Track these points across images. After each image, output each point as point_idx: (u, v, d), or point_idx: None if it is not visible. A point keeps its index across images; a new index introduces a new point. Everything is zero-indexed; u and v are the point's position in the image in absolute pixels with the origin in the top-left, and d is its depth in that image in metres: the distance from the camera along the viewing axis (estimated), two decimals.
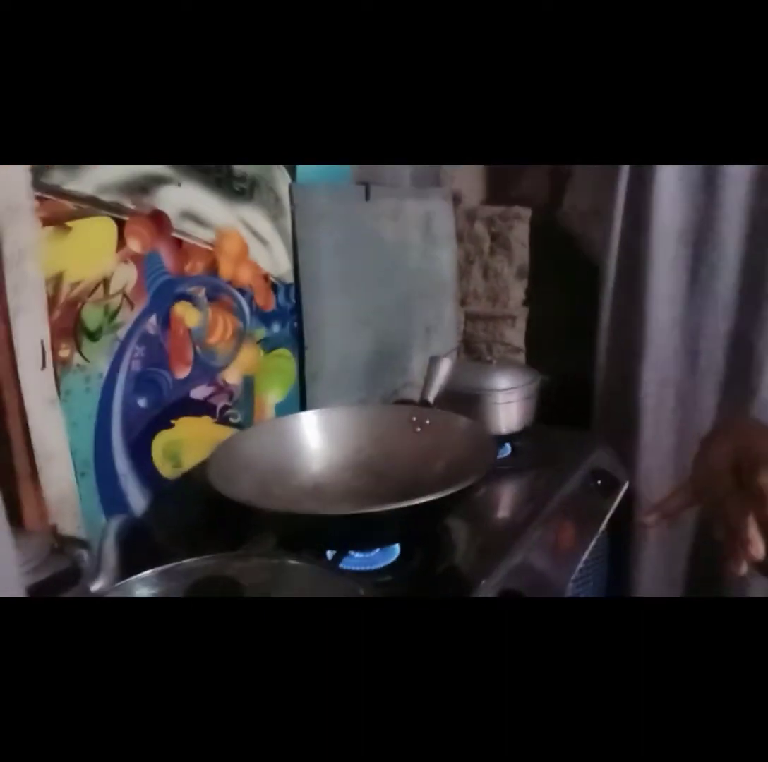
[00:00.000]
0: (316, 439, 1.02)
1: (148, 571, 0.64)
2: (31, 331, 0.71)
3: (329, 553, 0.85)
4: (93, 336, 0.79)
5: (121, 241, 0.81)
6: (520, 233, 1.51)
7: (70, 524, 0.77)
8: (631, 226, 1.31)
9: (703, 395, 1.31)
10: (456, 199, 1.53)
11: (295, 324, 1.12)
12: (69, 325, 0.77)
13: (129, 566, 0.68)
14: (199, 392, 0.95)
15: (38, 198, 0.71)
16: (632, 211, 1.30)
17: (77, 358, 0.78)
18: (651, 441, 1.34)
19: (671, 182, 1.24)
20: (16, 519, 0.72)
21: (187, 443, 0.94)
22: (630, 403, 1.35)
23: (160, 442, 0.90)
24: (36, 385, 0.72)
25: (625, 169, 1.30)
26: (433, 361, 1.14)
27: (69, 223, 0.75)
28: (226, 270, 0.97)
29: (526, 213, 1.50)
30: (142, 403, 0.87)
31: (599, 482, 1.15)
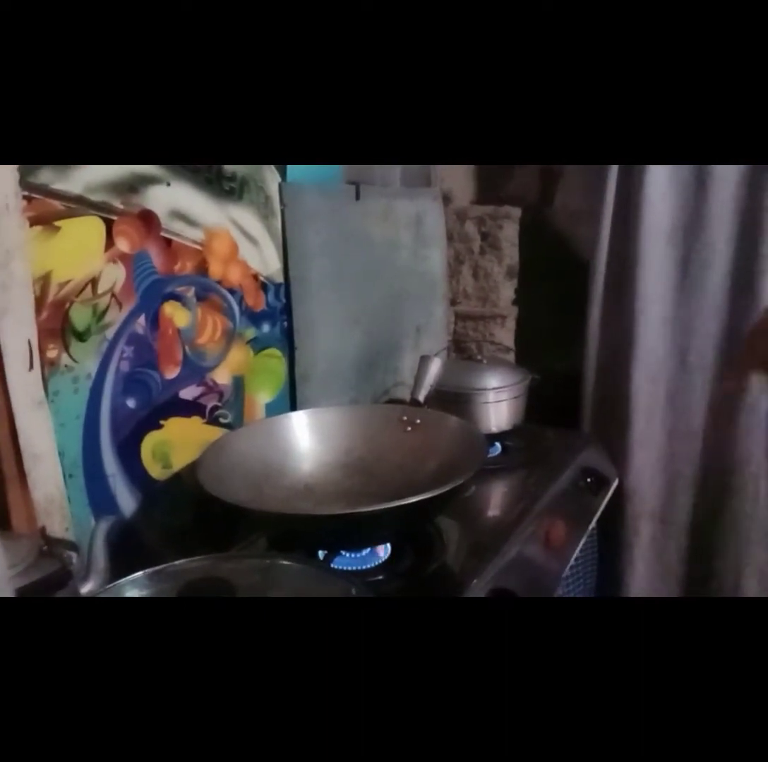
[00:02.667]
0: (307, 440, 1.02)
1: (139, 573, 0.63)
2: (19, 331, 0.71)
3: (321, 553, 0.85)
4: (81, 336, 0.79)
5: (110, 241, 0.81)
6: (510, 233, 1.51)
7: (58, 526, 0.77)
8: (620, 226, 1.32)
9: (693, 392, 1.32)
10: (446, 199, 1.53)
11: (285, 324, 1.12)
12: (57, 326, 0.76)
13: (119, 568, 0.67)
14: (188, 392, 0.95)
15: (26, 197, 0.71)
16: (622, 211, 1.31)
17: (65, 359, 0.77)
18: (641, 438, 1.35)
19: (661, 182, 1.25)
20: (3, 521, 0.72)
21: (176, 444, 0.93)
22: (620, 401, 1.35)
23: (149, 443, 0.90)
24: (23, 386, 0.72)
25: (614, 169, 1.30)
26: (424, 361, 1.14)
27: (57, 223, 0.75)
28: (215, 270, 0.97)
29: (516, 212, 1.51)
30: (130, 403, 0.86)
31: (589, 480, 1.15)
